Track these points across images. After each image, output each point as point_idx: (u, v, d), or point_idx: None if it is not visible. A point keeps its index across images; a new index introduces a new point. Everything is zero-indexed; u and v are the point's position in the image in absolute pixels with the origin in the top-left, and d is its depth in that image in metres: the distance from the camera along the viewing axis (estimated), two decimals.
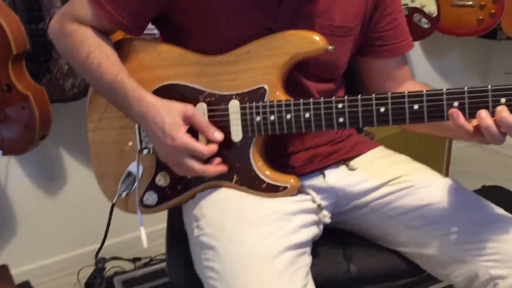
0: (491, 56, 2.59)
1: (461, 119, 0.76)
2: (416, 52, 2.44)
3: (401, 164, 1.02)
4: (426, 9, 1.95)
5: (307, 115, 0.86)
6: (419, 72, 2.47)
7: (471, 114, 0.77)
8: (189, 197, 0.97)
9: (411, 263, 0.96)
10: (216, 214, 0.89)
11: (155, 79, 0.95)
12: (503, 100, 0.76)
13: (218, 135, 0.87)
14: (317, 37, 0.87)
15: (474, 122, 0.78)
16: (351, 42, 0.99)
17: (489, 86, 0.77)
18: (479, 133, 0.77)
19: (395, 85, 1.04)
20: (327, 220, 0.93)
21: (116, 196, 0.99)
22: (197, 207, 0.93)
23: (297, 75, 0.94)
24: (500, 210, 0.92)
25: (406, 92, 0.80)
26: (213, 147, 0.86)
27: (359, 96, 0.83)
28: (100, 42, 0.92)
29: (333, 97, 0.85)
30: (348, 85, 1.09)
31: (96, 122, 1.02)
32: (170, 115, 0.86)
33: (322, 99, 0.85)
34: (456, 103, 0.78)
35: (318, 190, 0.97)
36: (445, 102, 0.78)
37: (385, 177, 0.98)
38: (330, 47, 0.86)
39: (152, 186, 0.97)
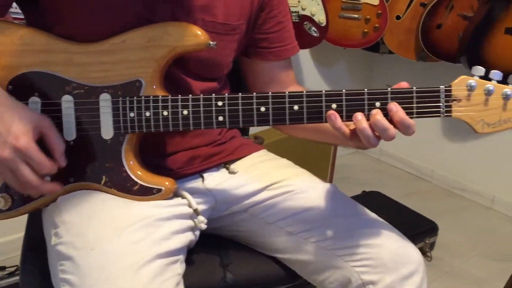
0: (374, 68, 2.75)
1: (338, 121, 0.77)
2: (306, 59, 2.51)
3: (283, 169, 1.01)
4: (316, 18, 2.00)
5: (185, 112, 0.81)
6: (308, 78, 2.55)
7: (348, 117, 0.78)
8: (50, 201, 0.86)
9: (288, 270, 0.95)
10: (78, 221, 0.80)
11: (14, 66, 0.83)
12: (378, 104, 0.78)
13: (62, 161, 0.79)
14: (199, 31, 0.83)
15: (352, 126, 0.79)
16: (235, 42, 0.96)
17: (365, 89, 0.78)
18: (355, 136, 0.78)
19: (279, 88, 1.03)
20: (203, 226, 0.88)
21: None
22: (57, 212, 0.83)
23: (178, 73, 0.89)
24: (374, 216, 0.93)
25: (286, 92, 0.79)
26: (55, 166, 0.77)
27: (240, 94, 0.80)
28: None
29: (213, 94, 0.81)
30: (236, 86, 1.05)
31: None
32: (24, 118, 0.75)
33: (201, 96, 0.81)
34: (334, 105, 0.78)
35: (196, 194, 0.92)
36: (323, 104, 0.79)
37: (265, 181, 0.96)
38: (212, 43, 0.83)
39: (5, 187, 0.85)
